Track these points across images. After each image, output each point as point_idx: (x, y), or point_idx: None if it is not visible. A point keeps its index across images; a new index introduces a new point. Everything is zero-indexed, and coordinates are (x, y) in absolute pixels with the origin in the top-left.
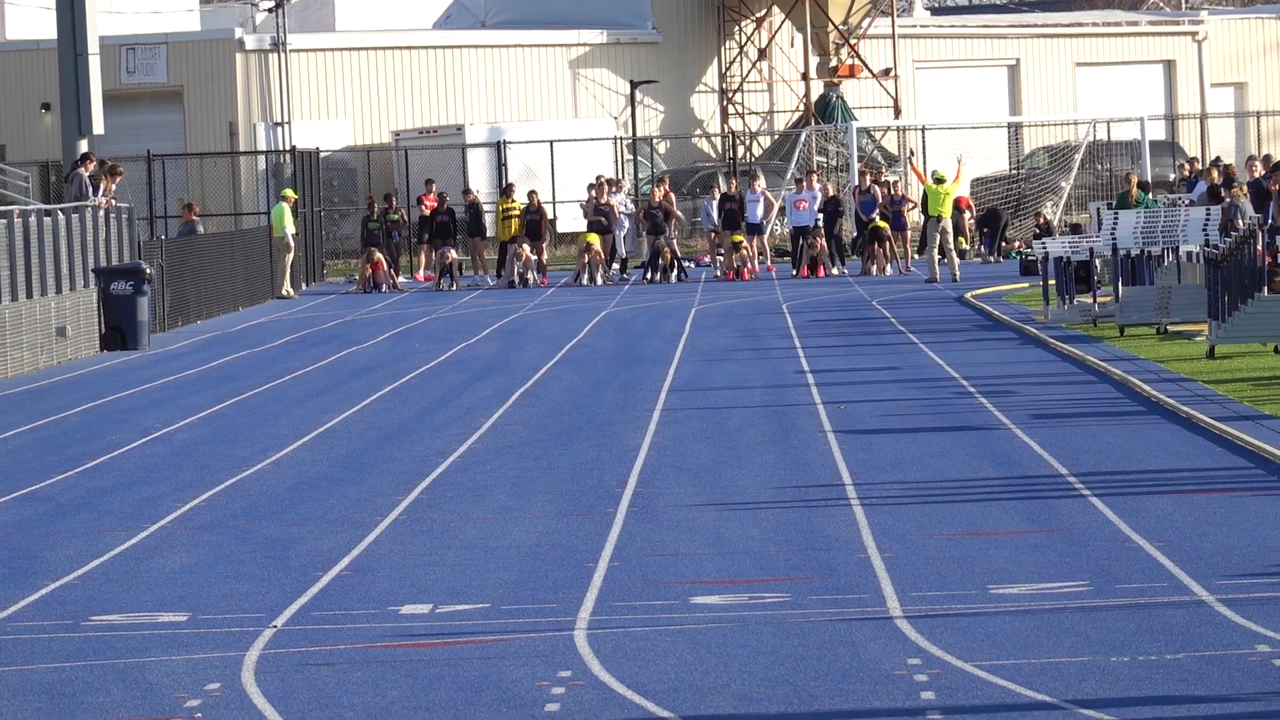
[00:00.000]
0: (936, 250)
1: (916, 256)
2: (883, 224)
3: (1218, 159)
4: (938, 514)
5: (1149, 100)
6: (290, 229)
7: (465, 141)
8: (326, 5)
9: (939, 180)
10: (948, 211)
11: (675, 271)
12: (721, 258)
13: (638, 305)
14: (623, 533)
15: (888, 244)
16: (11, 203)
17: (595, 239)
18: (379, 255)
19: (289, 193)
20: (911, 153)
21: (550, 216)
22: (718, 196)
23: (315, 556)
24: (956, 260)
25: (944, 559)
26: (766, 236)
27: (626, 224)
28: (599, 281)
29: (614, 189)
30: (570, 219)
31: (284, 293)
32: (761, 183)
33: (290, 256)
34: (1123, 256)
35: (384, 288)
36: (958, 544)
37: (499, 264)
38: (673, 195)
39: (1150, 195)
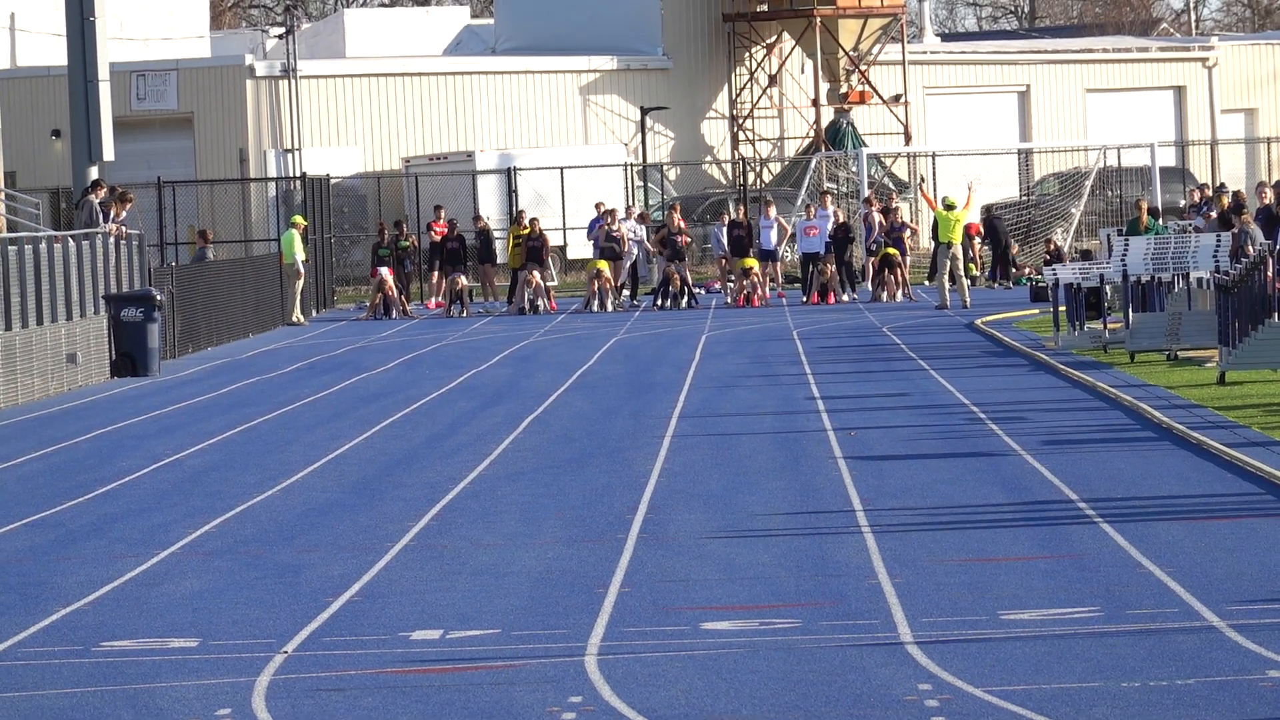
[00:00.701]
0: (946, 277)
1: (927, 283)
2: (893, 251)
3: (1222, 185)
4: (948, 540)
5: (1159, 126)
6: (300, 255)
7: (475, 168)
8: (337, 32)
9: (949, 207)
10: (958, 238)
11: (685, 298)
12: (732, 284)
13: (648, 332)
14: (633, 559)
15: (899, 270)
16: (22, 229)
17: (605, 266)
18: (386, 275)
19: (299, 219)
20: (922, 179)
21: (561, 243)
22: (727, 223)
23: (326, 582)
24: (966, 285)
25: (954, 584)
26: (778, 263)
27: (636, 251)
28: (609, 308)
29: (626, 216)
30: (580, 245)
31: (294, 319)
32: (774, 209)
33: (300, 283)
34: (1133, 283)
35: (394, 314)
36: (968, 570)
37: (510, 290)
38: (684, 222)
39: (1160, 221)
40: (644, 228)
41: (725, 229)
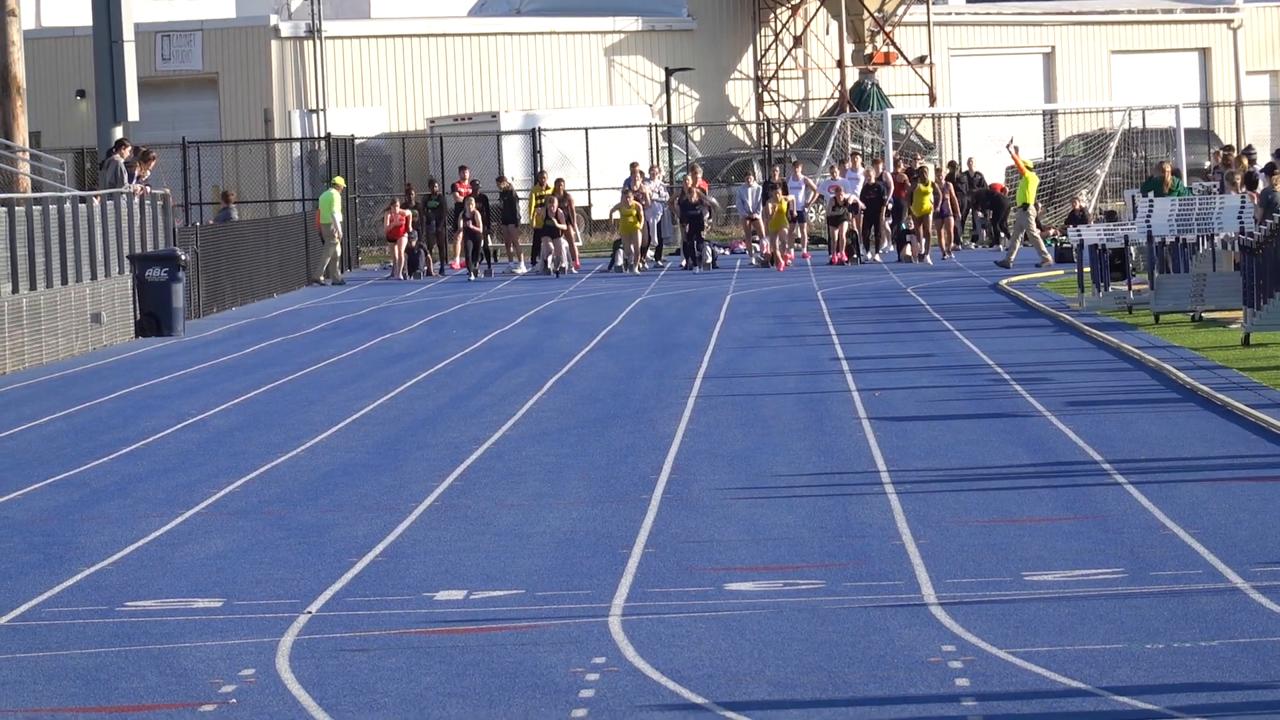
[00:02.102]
0: (1023, 236)
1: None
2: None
3: (1249, 147)
4: (972, 501)
5: (1184, 88)
6: (339, 215)
7: (500, 129)
8: None
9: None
10: (1032, 198)
11: (706, 260)
12: (758, 244)
13: (672, 292)
14: (657, 519)
15: (943, 229)
16: (47, 189)
17: (637, 224)
18: (399, 214)
19: (339, 180)
20: (1011, 141)
21: (585, 204)
22: (753, 184)
23: (350, 543)
24: (1041, 242)
25: (978, 546)
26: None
27: (661, 211)
28: (635, 269)
29: (648, 177)
30: (605, 207)
31: (322, 278)
32: (802, 169)
33: (338, 244)
34: (1158, 244)
35: (420, 274)
36: (992, 531)
37: (533, 251)
38: (705, 184)
39: (1185, 182)
40: (666, 189)
41: (751, 190)
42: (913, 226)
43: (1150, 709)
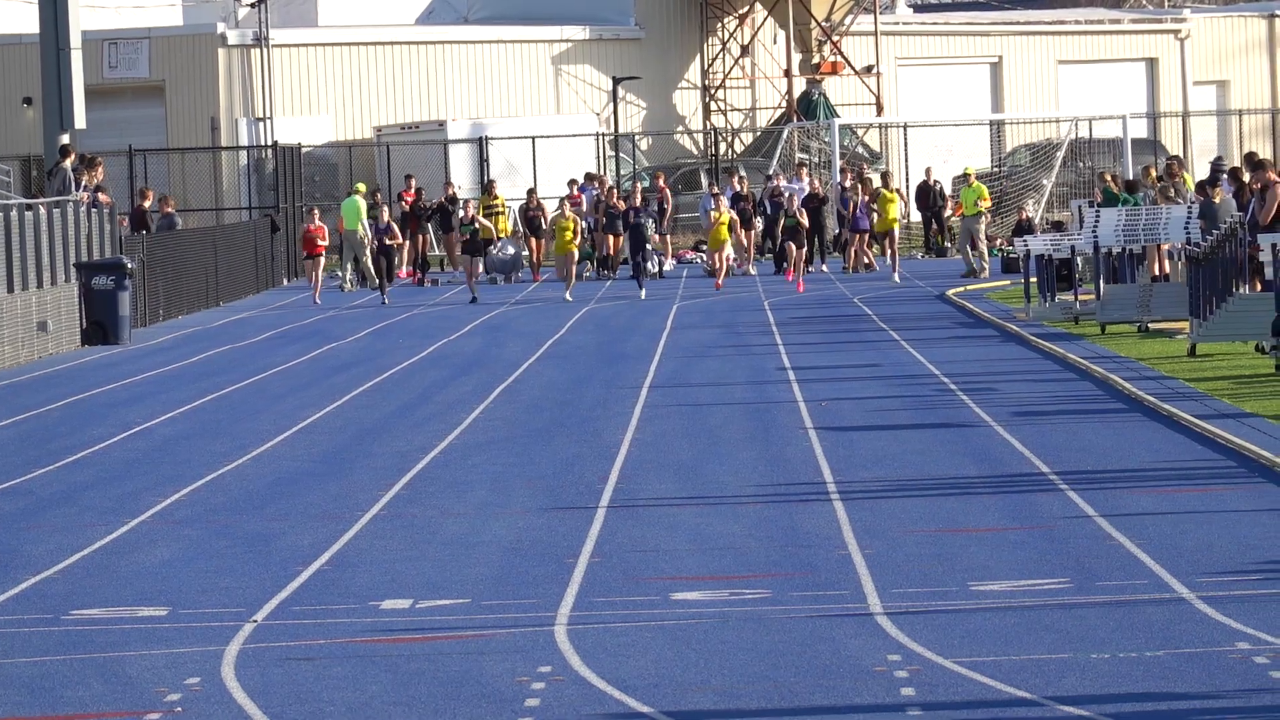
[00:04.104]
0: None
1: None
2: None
3: (1176, 157)
4: (918, 510)
5: (1131, 98)
6: (366, 221)
7: (447, 137)
8: (309, 0)
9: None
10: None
11: (658, 268)
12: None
13: (619, 301)
14: (603, 529)
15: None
16: None
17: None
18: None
19: (361, 186)
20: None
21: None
22: (732, 190)
23: (295, 551)
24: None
25: (924, 555)
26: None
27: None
28: (567, 296)
29: (584, 186)
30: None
31: (346, 285)
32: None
33: (368, 251)
34: (1104, 254)
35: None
36: (938, 540)
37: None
38: (666, 190)
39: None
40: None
41: (728, 197)
42: (857, 240)
43: (1095, 718)
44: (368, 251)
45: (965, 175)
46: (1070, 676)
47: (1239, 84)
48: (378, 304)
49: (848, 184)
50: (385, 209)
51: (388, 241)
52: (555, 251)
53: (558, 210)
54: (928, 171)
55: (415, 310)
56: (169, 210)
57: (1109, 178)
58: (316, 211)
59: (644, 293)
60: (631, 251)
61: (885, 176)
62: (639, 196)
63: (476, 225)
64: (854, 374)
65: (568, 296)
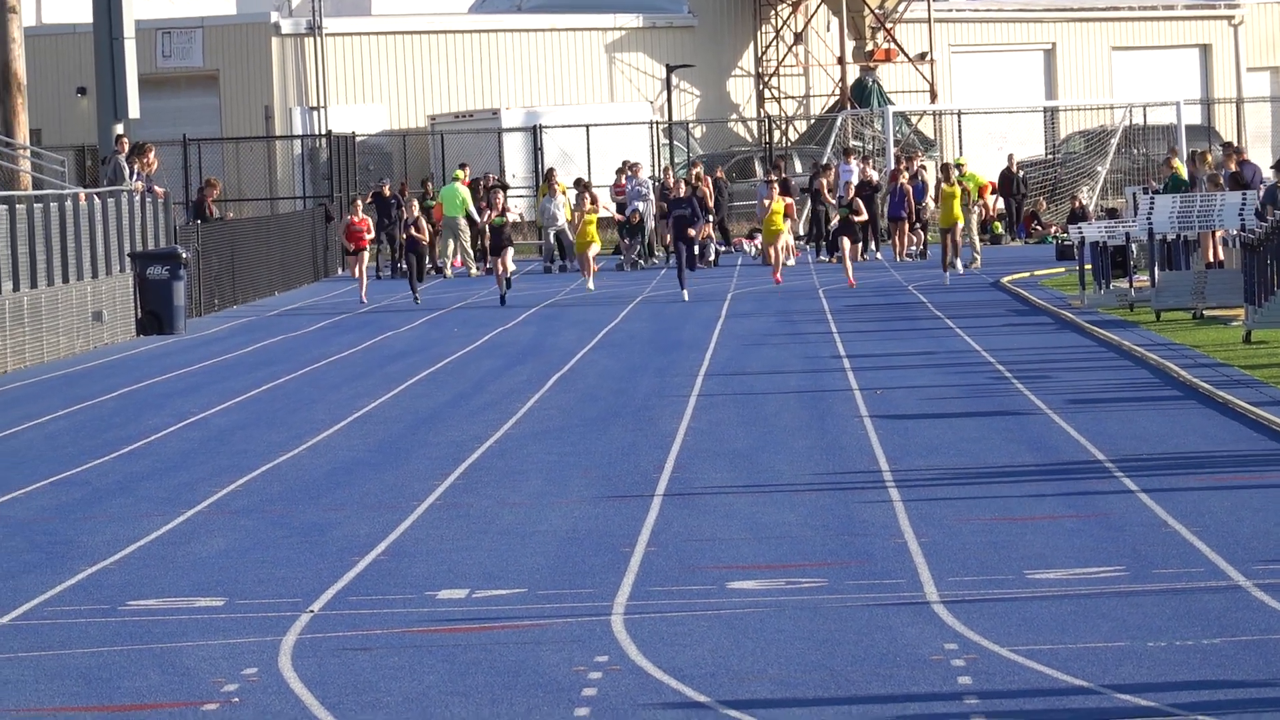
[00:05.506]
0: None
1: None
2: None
3: (1229, 144)
4: (974, 499)
5: (1185, 84)
6: (470, 207)
7: (501, 126)
8: None
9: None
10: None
11: (713, 256)
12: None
13: (674, 290)
14: (659, 518)
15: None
16: (47, 186)
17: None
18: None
19: (460, 173)
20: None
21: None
22: (856, 174)
23: (351, 541)
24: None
25: (980, 544)
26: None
27: (642, 208)
28: (589, 285)
29: (630, 175)
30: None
31: (449, 271)
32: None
33: (467, 235)
34: (1159, 241)
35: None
36: (994, 529)
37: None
38: (708, 182)
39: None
40: (650, 185)
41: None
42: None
43: (1152, 706)
44: (465, 236)
45: (959, 164)
46: (1127, 664)
47: None
48: (433, 293)
49: (904, 172)
50: (415, 202)
51: (415, 235)
52: (575, 249)
53: (576, 205)
54: (1010, 159)
55: (469, 299)
56: (213, 197)
57: (1175, 163)
58: (359, 203)
59: (686, 294)
60: (675, 246)
61: (946, 169)
62: (682, 188)
63: (505, 219)
64: (909, 361)
65: (590, 286)
